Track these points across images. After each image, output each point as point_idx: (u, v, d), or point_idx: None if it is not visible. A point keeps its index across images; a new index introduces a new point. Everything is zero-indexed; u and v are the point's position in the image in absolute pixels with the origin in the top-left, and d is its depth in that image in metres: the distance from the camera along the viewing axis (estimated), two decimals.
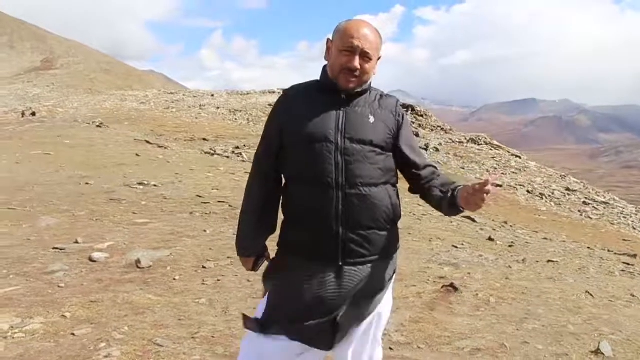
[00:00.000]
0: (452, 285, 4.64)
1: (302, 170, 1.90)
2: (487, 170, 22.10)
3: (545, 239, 9.60)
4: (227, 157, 16.83)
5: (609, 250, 9.38)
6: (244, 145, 19.02)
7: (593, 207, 18.79)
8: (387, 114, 1.96)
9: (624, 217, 18.07)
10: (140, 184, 9.17)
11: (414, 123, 27.57)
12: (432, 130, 27.95)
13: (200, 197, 8.51)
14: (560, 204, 18.42)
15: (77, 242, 5.14)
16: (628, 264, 7.29)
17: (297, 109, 1.95)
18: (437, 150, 24.41)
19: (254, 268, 2.14)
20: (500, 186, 18.56)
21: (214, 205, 7.86)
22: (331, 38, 1.95)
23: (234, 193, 9.15)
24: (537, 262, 6.43)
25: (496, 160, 25.04)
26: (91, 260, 4.64)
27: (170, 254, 5.02)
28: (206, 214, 7.27)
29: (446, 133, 28.93)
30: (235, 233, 2.12)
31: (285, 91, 2.06)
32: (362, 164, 1.85)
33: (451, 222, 8.92)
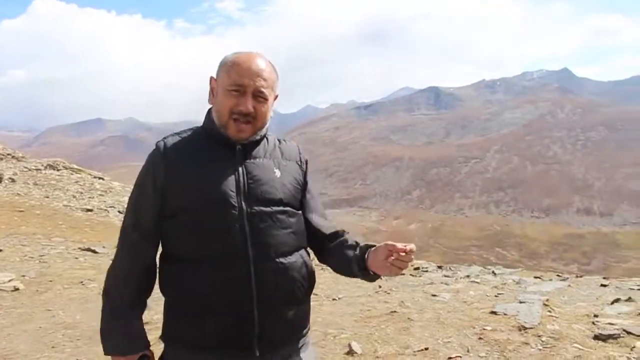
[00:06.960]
0: None
1: (198, 244, 1.47)
2: (74, 196, 20.42)
3: None
4: None
5: None
6: None
7: None
8: (293, 165, 1.65)
9: None
10: None
11: None
12: (2, 158, 24.04)
13: None
14: None
15: None
16: None
17: (180, 167, 1.49)
18: (14, 180, 21.01)
19: None
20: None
21: None
22: (215, 76, 1.54)
23: None
24: None
25: (80, 185, 23.67)
26: None
27: None
28: None
29: (19, 161, 25.47)
30: (100, 327, 1.56)
31: (160, 144, 1.53)
32: (274, 229, 1.51)
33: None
